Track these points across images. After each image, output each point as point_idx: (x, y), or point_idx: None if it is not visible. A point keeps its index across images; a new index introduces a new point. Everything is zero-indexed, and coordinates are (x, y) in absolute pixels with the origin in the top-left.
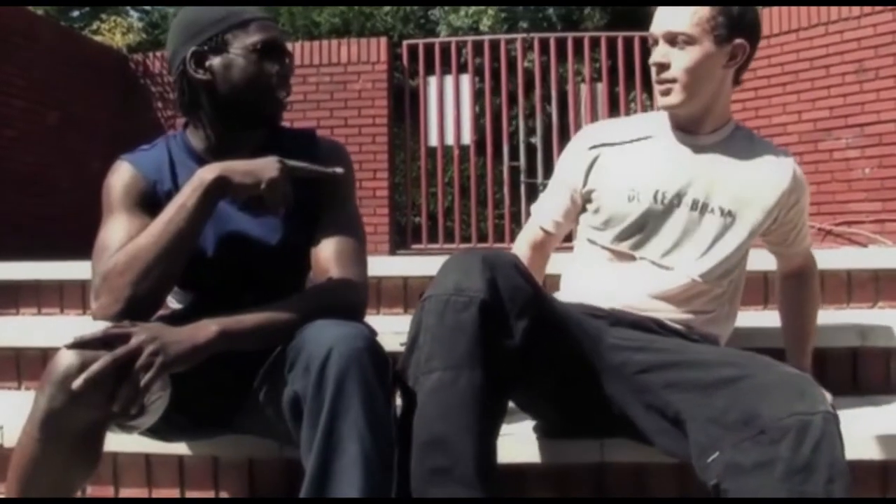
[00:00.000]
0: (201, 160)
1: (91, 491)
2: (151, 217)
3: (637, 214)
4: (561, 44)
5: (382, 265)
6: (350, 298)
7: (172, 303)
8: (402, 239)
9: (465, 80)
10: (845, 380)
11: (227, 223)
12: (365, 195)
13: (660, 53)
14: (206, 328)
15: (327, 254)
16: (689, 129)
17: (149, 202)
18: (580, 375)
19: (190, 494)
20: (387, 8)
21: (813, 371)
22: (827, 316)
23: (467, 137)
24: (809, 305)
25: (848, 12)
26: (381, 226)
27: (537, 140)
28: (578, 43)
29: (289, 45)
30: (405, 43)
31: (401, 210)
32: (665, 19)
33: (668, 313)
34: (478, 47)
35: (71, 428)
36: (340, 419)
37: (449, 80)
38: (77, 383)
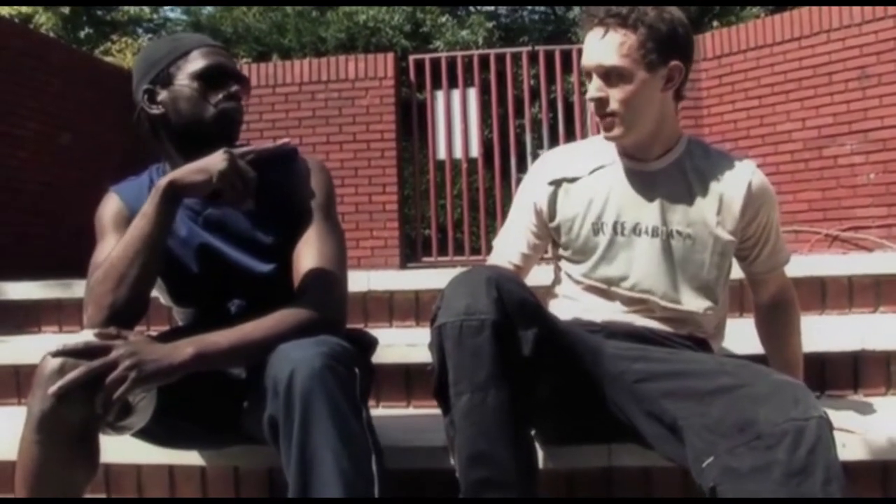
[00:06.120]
0: None
1: None
2: None
3: (604, 246)
4: (566, 55)
5: (394, 279)
6: (326, 316)
7: (178, 321)
8: (413, 252)
9: (472, 93)
10: (847, 383)
11: (201, 242)
12: (375, 209)
13: (595, 88)
14: (183, 350)
15: (305, 269)
16: (637, 156)
17: None
18: (582, 384)
19: None
20: (393, 23)
21: (815, 374)
22: (829, 321)
23: (475, 150)
24: (791, 340)
25: (850, 19)
26: (392, 239)
27: (544, 152)
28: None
29: (243, 68)
30: (411, 58)
31: (411, 223)
32: (595, 53)
33: (659, 327)
34: (483, 61)
35: (64, 427)
36: (312, 436)
37: (456, 93)
38: (52, 389)
